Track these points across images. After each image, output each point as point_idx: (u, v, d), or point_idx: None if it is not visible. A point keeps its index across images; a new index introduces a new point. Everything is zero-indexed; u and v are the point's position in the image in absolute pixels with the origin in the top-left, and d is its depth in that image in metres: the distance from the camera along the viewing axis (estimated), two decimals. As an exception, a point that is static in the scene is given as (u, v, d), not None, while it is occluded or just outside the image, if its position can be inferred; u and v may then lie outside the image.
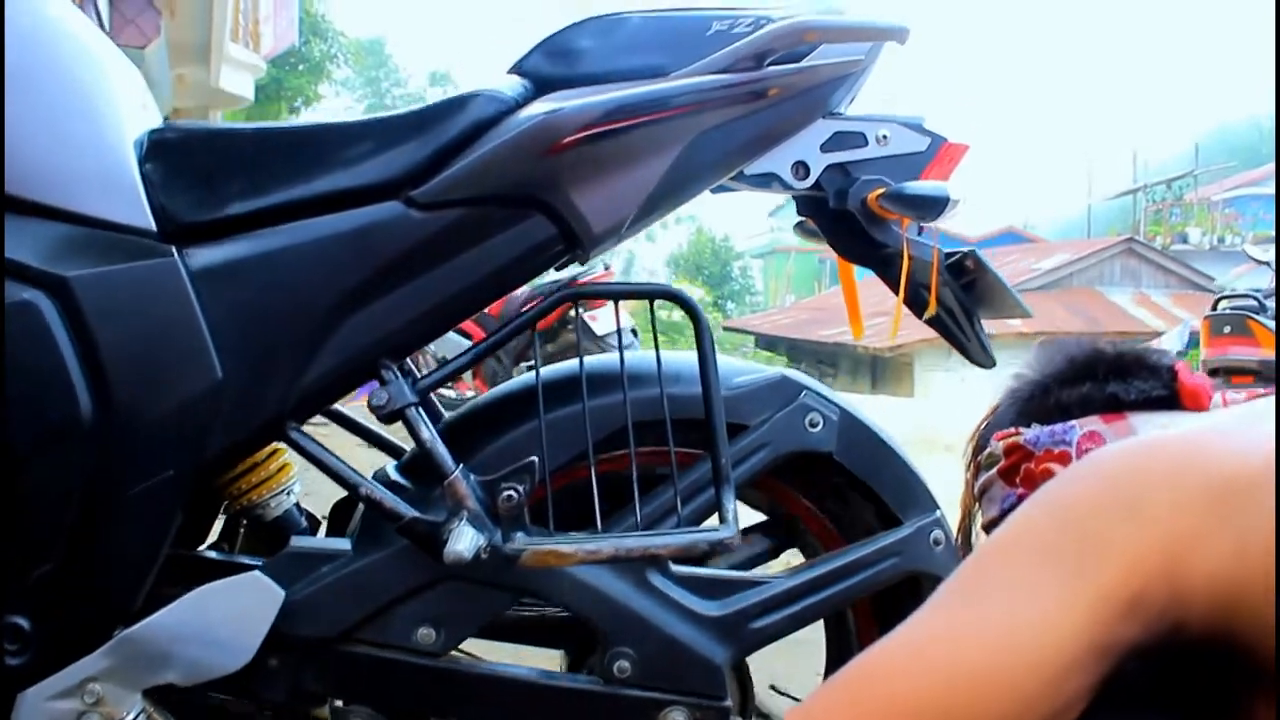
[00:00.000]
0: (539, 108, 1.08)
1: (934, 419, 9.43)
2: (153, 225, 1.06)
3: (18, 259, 1.01)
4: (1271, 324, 4.95)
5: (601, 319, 6.44)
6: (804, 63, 1.15)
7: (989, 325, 1.47)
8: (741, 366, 1.29)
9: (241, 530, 1.29)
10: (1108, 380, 0.94)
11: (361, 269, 1.08)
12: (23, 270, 1.01)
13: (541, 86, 1.14)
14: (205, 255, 1.06)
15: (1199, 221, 29.28)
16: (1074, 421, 0.93)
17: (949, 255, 1.28)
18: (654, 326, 1.19)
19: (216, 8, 9.89)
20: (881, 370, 22.04)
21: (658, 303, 1.21)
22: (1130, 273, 23.77)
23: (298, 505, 1.27)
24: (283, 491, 1.23)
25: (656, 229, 51.64)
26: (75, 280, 1.02)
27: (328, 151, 1.09)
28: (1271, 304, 5.22)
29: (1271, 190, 31.65)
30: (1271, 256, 6.32)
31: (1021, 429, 0.96)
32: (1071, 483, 0.69)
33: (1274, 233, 19.94)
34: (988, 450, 0.99)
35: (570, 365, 1.22)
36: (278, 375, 1.07)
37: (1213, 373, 5.14)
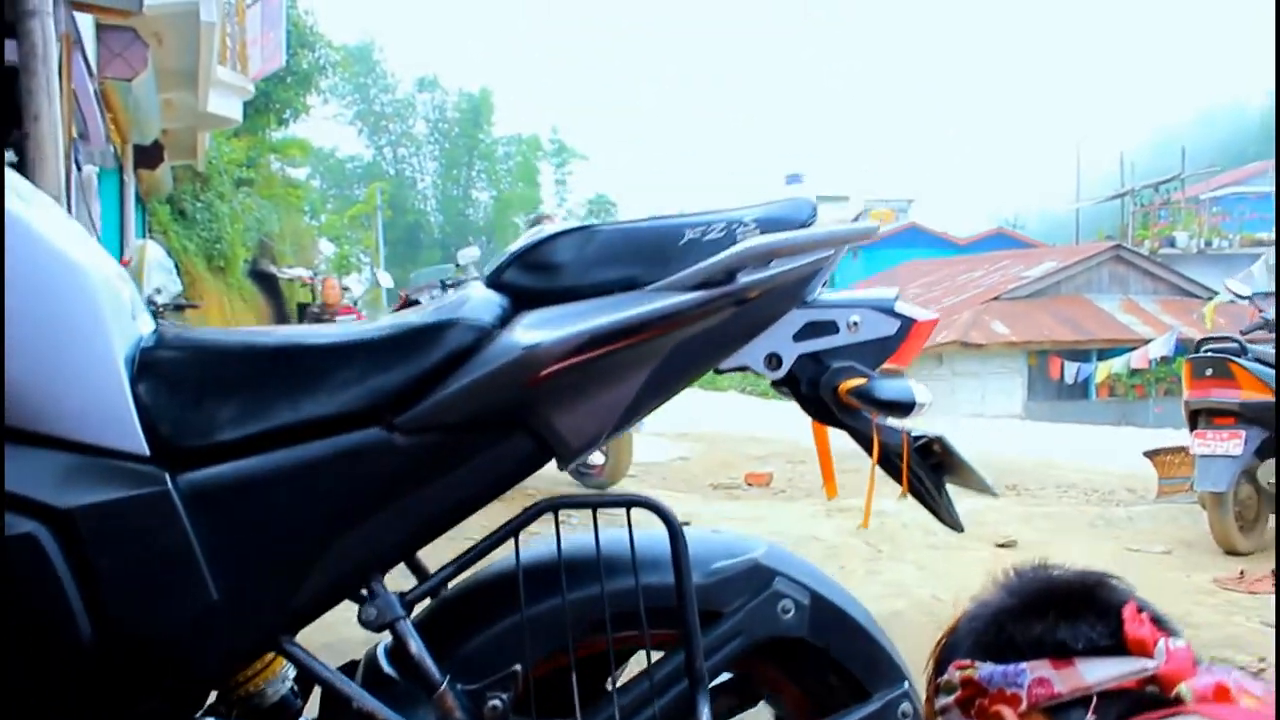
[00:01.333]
0: (519, 337, 1.12)
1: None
2: (146, 450, 1.10)
3: (20, 491, 1.05)
4: (1250, 365, 5.01)
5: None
6: (774, 269, 1.20)
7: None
8: (717, 547, 1.33)
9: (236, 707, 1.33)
10: (1058, 624, 0.99)
11: (349, 493, 1.12)
12: (24, 503, 1.05)
13: (518, 300, 1.18)
14: (197, 479, 1.10)
15: (1185, 225, 29.40)
16: (1025, 665, 0.98)
17: (917, 439, 1.33)
18: (630, 535, 1.23)
19: (204, 36, 9.90)
20: (871, 380, 22.04)
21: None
22: (1118, 279, 23.86)
23: (292, 687, 1.31)
24: (279, 680, 1.27)
25: (646, 232, 51.75)
26: (73, 513, 1.06)
27: (312, 375, 1.13)
28: (1256, 343, 5.29)
29: (1259, 188, 31.85)
30: (1248, 291, 6.40)
31: (977, 662, 1.01)
32: None
33: (1275, 234, 19.98)
34: (946, 677, 1.04)
35: (550, 551, 1.26)
36: (271, 595, 1.12)
37: (1195, 413, 5.20)
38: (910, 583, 4.32)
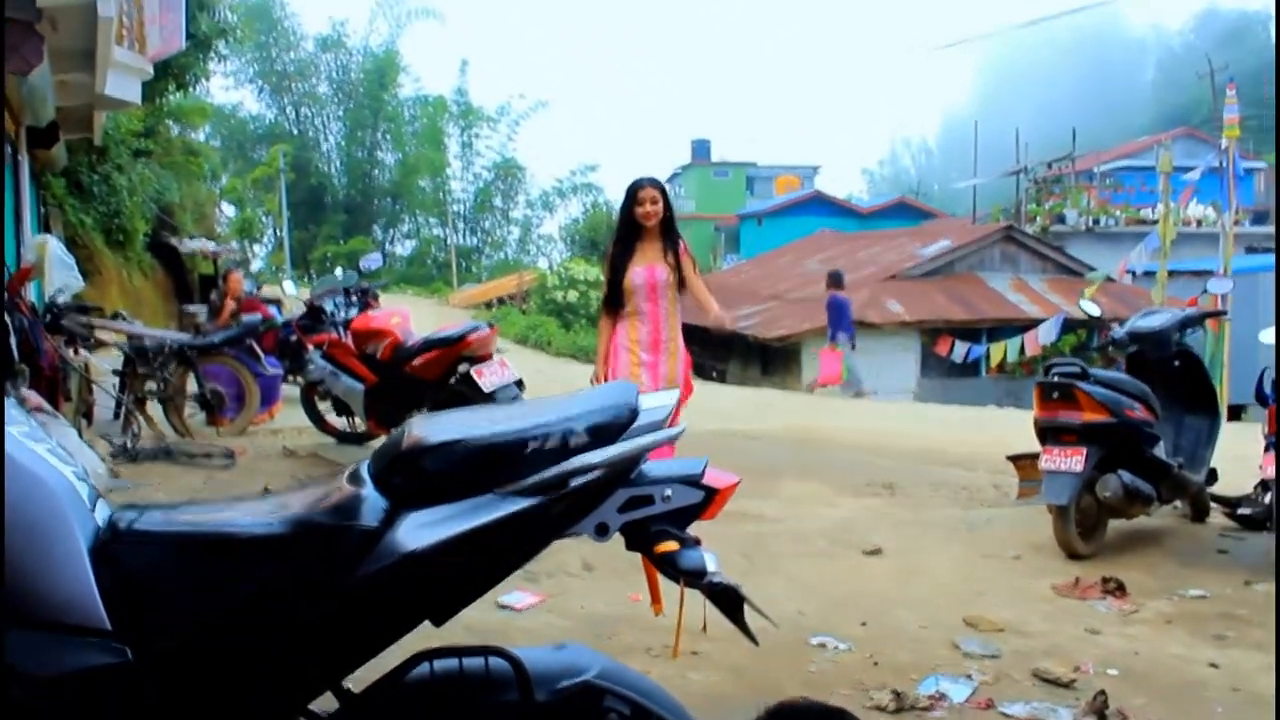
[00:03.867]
0: (401, 540, 1.45)
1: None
2: (109, 626, 1.41)
3: (18, 665, 1.36)
4: (1091, 389, 5.52)
5: (486, 374, 6.81)
6: (599, 471, 1.54)
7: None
8: (560, 668, 1.65)
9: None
10: None
11: (276, 655, 1.46)
12: (19, 674, 1.36)
13: (398, 499, 1.50)
14: (151, 650, 1.42)
15: (1075, 202, 30.49)
16: None
17: (716, 585, 1.67)
18: (487, 671, 1.57)
19: (101, 28, 9.84)
20: (771, 357, 22.71)
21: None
22: (1009, 258, 24.74)
23: None
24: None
25: (554, 198, 51.97)
26: (56, 680, 1.37)
27: (239, 565, 1.46)
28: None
29: (1147, 163, 33.22)
30: (1097, 312, 6.99)
31: None
32: None
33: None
34: None
35: (425, 686, 1.60)
36: None
37: (1044, 432, 5.71)
38: (779, 596, 4.72)
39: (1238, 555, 5.71)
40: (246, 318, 9.25)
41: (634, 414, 1.62)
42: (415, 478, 1.52)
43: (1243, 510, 6.21)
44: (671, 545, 1.62)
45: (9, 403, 1.52)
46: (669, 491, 1.64)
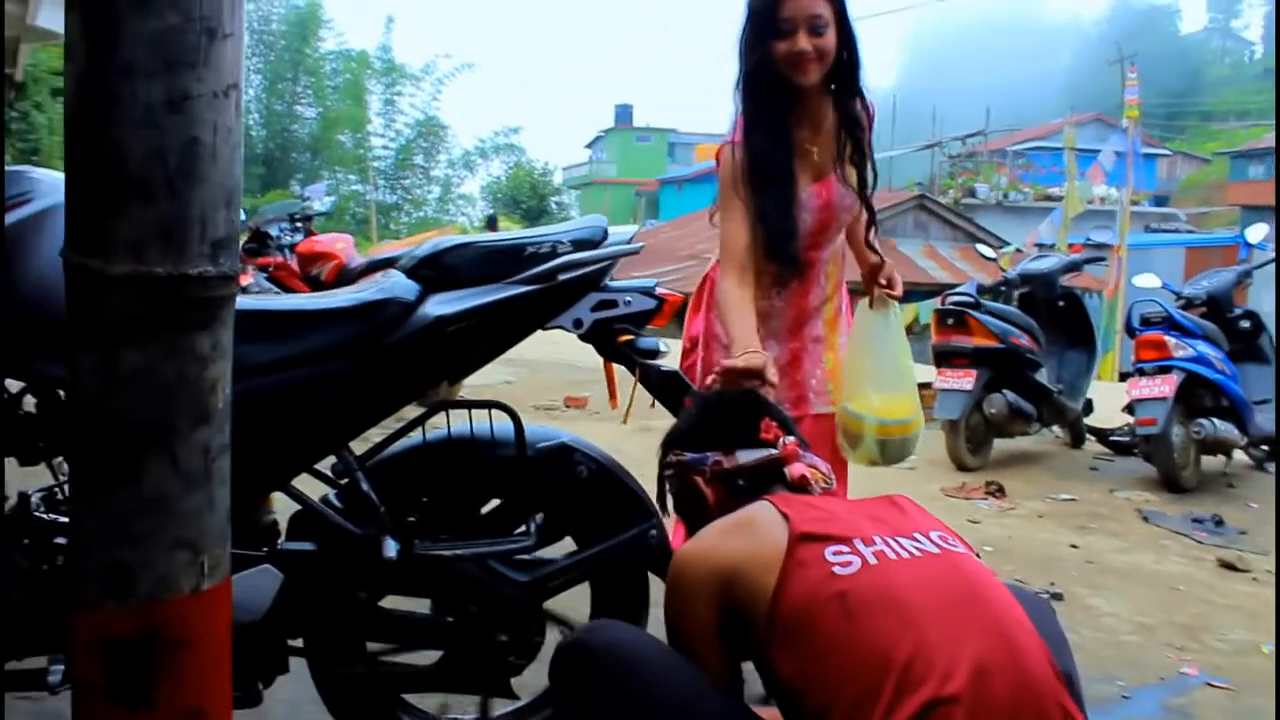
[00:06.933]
0: (430, 310, 1.92)
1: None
2: None
3: None
4: (982, 318, 6.13)
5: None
6: (579, 271, 2.02)
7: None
8: (541, 434, 2.14)
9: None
10: (726, 429, 1.85)
11: (331, 397, 1.91)
12: None
13: (426, 285, 1.97)
14: (249, 385, 1.83)
15: (986, 177, 31.49)
16: (707, 453, 1.83)
17: (664, 372, 2.16)
18: (490, 426, 2.05)
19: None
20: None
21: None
22: (921, 225, 25.52)
23: (274, 516, 2.08)
24: (269, 511, 2.05)
25: (475, 158, 51.78)
26: None
27: (312, 325, 1.90)
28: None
29: (1056, 145, 34.42)
30: (994, 255, 7.64)
31: (685, 452, 1.86)
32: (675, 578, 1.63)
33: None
34: (667, 459, 1.89)
35: (441, 436, 2.07)
36: (287, 455, 1.93)
37: (940, 356, 6.31)
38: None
39: (1106, 472, 6.40)
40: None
41: (606, 234, 2.11)
42: (439, 269, 1.98)
43: (1114, 438, 6.88)
44: (630, 336, 2.11)
45: None
46: (630, 298, 2.12)
